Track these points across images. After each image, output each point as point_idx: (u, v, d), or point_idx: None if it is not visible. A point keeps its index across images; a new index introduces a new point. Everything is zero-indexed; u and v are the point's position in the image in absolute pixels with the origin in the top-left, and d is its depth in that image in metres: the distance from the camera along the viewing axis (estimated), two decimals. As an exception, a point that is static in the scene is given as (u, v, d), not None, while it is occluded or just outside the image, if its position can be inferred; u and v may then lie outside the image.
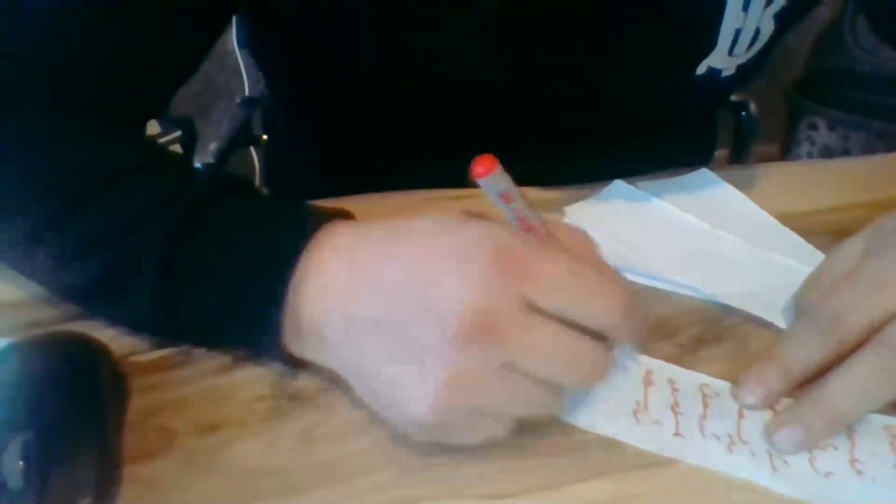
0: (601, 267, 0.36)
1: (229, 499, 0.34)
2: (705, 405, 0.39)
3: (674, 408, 0.38)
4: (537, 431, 0.37)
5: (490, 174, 0.33)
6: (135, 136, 0.45)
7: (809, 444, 0.36)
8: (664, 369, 0.40)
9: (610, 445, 0.37)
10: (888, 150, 0.63)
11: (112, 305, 0.41)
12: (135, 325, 0.41)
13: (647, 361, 0.41)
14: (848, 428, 0.37)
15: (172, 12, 0.46)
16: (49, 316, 0.43)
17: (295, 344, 0.37)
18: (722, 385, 0.40)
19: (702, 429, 0.37)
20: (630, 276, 0.46)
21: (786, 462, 0.36)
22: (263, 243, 0.37)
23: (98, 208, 0.39)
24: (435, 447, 0.35)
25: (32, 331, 0.40)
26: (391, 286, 0.33)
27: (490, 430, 0.34)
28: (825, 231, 0.50)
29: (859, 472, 0.35)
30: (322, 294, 0.35)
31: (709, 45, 0.52)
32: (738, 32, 0.51)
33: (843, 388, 0.36)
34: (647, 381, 0.40)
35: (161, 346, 0.41)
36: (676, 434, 0.37)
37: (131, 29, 0.46)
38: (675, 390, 0.39)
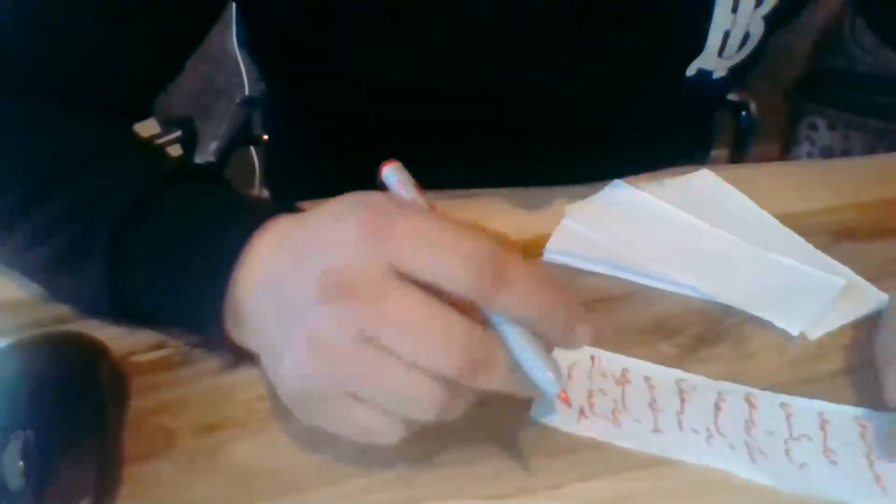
0: (479, 233, 0.32)
1: (229, 499, 0.34)
2: (682, 400, 0.39)
3: (651, 405, 0.38)
4: (537, 431, 0.37)
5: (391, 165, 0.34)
6: (102, 122, 0.45)
7: None
8: (639, 367, 0.40)
9: (609, 446, 0.37)
10: (888, 150, 0.63)
11: (69, 288, 0.41)
12: (91, 309, 0.41)
13: (621, 360, 0.41)
14: (820, 418, 0.38)
15: (157, 9, 0.46)
16: (49, 316, 0.43)
17: (236, 331, 0.37)
18: (698, 380, 0.40)
19: (680, 424, 0.38)
20: (630, 276, 0.46)
21: (763, 453, 0.36)
22: (210, 229, 0.37)
23: (60, 193, 0.40)
24: (435, 447, 0.35)
25: (32, 331, 0.40)
26: (292, 255, 0.33)
27: (373, 424, 0.32)
28: (825, 231, 0.50)
29: (833, 462, 0.36)
30: (252, 278, 0.35)
31: (697, 47, 0.52)
32: (727, 34, 0.51)
33: None
34: (624, 380, 0.40)
35: (161, 346, 0.41)
36: (655, 430, 0.37)
37: (113, 25, 0.46)
38: (651, 387, 0.39)
